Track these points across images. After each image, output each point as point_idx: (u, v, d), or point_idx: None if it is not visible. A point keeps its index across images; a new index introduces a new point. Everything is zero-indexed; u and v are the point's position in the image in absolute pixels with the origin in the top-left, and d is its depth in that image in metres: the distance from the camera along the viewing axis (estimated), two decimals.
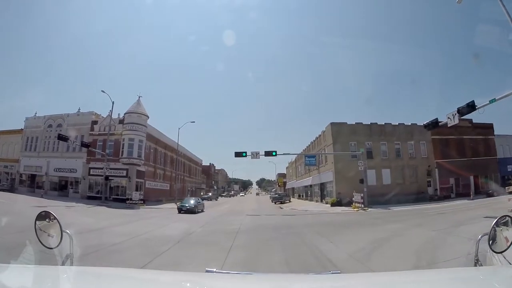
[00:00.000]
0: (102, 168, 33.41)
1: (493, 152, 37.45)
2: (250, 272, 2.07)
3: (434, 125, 19.93)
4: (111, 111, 37.24)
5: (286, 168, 74.35)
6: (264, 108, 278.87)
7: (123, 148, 36.91)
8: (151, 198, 39.54)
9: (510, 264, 1.85)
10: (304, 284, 1.78)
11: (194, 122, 41.54)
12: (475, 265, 1.78)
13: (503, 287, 1.46)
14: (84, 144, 31.90)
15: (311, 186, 42.96)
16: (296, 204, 38.02)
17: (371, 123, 35.76)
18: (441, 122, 19.42)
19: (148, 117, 39.81)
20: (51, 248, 1.74)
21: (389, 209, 25.70)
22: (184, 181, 56.11)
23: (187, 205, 25.07)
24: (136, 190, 37.57)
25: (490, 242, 1.72)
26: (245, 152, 26.82)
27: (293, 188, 61.22)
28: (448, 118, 18.42)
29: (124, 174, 36.63)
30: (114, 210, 25.15)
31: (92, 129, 40.37)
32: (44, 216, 1.81)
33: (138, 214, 21.83)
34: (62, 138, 29.53)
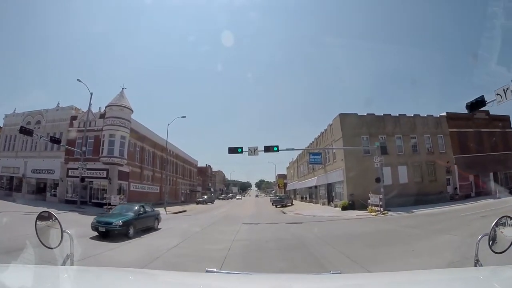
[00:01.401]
0: (83, 169, 28.98)
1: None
2: (250, 272, 2.05)
3: (478, 104, 15.53)
4: (90, 104, 32.86)
5: (287, 168, 70.00)
6: (263, 109, 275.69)
7: (103, 146, 32.52)
8: (138, 202, 35.16)
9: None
10: (304, 284, 1.77)
11: (185, 117, 36.22)
12: (475, 265, 1.71)
13: (503, 287, 1.44)
14: (53, 140, 27.47)
15: (315, 187, 38.62)
16: (299, 207, 33.63)
17: (384, 114, 31.59)
18: (489, 101, 15.06)
19: (132, 111, 35.45)
20: (52, 248, 1.72)
21: (412, 212, 21.77)
22: (176, 183, 51.68)
23: (112, 221, 11.66)
24: (119, 193, 33.30)
25: (490, 242, 1.69)
26: (241, 148, 22.50)
27: (294, 190, 56.86)
28: (498, 95, 14.07)
29: (104, 175, 32.19)
30: (82, 217, 20.69)
31: (71, 125, 36.00)
32: (44, 216, 1.80)
33: None
34: (25, 131, 25.08)
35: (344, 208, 26.42)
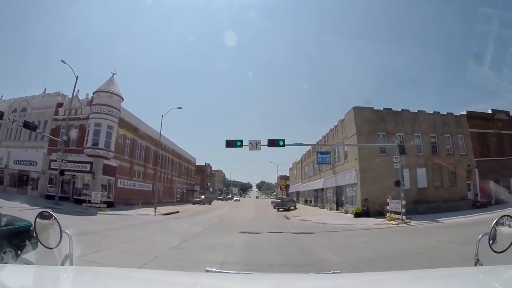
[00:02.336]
0: (62, 160, 25.66)
1: None
2: (250, 272, 2.11)
3: None
4: (74, 89, 29.65)
5: (290, 169, 66.47)
6: (265, 109, 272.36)
7: (87, 136, 29.24)
8: (126, 201, 31.88)
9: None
10: (304, 284, 1.76)
11: (181, 108, 33.24)
12: (475, 265, 1.70)
13: (503, 287, 1.44)
14: (27, 125, 24.11)
15: (322, 190, 35.09)
16: (304, 212, 30.10)
17: (401, 109, 28.08)
18: None
19: (123, 99, 32.19)
20: (51, 248, 1.71)
21: (437, 221, 18.67)
22: (172, 181, 48.31)
23: None
24: (106, 189, 30.05)
25: (490, 242, 1.68)
26: (240, 141, 19.09)
27: (297, 192, 53.34)
28: None
29: (88, 169, 28.86)
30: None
31: (56, 112, 32.82)
32: (43, 216, 1.80)
33: None
34: None
35: (357, 214, 22.92)
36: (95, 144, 28.83)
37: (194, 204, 47.80)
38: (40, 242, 1.78)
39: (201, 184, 71.08)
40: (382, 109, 27.58)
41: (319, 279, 1.84)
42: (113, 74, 32.79)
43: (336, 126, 30.74)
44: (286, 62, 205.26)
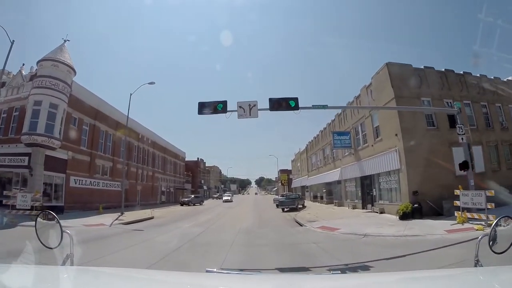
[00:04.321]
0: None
1: None
2: (250, 272, 2.08)
3: None
4: (7, 60, 21.79)
5: (292, 161, 58.78)
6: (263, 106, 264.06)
7: (26, 119, 21.57)
8: (84, 205, 24.33)
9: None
10: (304, 284, 1.73)
11: (153, 83, 24.44)
12: (475, 265, 1.68)
13: None
14: None
15: (338, 182, 27.53)
16: (319, 212, 22.56)
17: (445, 69, 20.57)
18: None
19: (75, 72, 24.44)
20: (52, 248, 1.71)
21: None
22: (154, 178, 40.55)
23: None
24: (53, 189, 22.58)
25: (491, 242, 1.66)
26: (221, 104, 11.40)
27: (302, 187, 45.84)
28: None
29: (26, 163, 21.17)
30: None
31: None
32: (44, 216, 1.81)
33: None
34: None
35: (405, 215, 15.49)
36: (32, 128, 21.12)
37: (182, 204, 40.23)
38: (41, 242, 1.74)
39: (193, 182, 63.41)
40: (423, 67, 20.02)
41: (319, 280, 1.79)
42: (65, 41, 25.06)
43: (358, 96, 23.10)
44: (286, 60, 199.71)
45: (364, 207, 21.85)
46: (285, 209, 25.87)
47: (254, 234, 12.74)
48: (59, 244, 1.71)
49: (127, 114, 26.06)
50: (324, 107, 12.03)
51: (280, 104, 11.23)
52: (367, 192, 21.60)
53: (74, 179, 24.22)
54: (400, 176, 17.23)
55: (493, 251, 1.67)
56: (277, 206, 30.38)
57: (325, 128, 32.51)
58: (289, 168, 74.05)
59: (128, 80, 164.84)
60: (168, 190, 46.53)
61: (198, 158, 71.82)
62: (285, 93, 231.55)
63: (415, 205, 15.73)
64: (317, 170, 35.80)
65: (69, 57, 24.37)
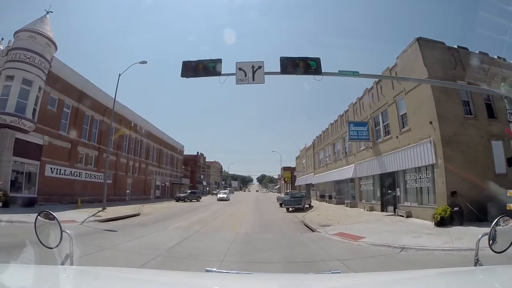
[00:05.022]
0: None
1: None
2: (250, 272, 2.07)
3: None
4: None
5: (297, 158, 55.56)
6: (264, 106, 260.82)
7: None
8: (62, 197, 21.48)
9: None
10: (304, 283, 1.74)
11: (145, 62, 21.24)
12: (475, 265, 1.67)
13: (503, 287, 1.42)
14: None
15: (351, 180, 24.40)
16: (331, 215, 19.50)
17: (479, 52, 17.31)
18: None
19: (56, 47, 21.49)
20: (51, 248, 1.69)
21: None
22: (147, 172, 37.54)
23: None
24: (28, 179, 19.82)
25: (490, 242, 1.66)
26: (214, 63, 8.25)
27: (308, 185, 42.71)
28: None
29: None
30: None
31: None
32: (44, 216, 1.79)
33: None
34: None
35: (442, 221, 12.42)
36: (0, 107, 18.17)
37: (178, 200, 37.24)
38: (41, 242, 1.73)
39: (191, 177, 60.43)
40: (456, 47, 16.80)
41: (319, 279, 1.81)
42: (47, 12, 22.08)
43: (377, 83, 19.91)
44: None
45: (383, 209, 18.73)
46: (290, 209, 22.83)
47: (255, 243, 9.67)
48: (58, 244, 1.67)
49: (114, 97, 23.09)
50: (355, 74, 8.93)
51: (296, 64, 8.09)
52: (388, 192, 18.46)
53: (51, 168, 21.26)
54: (435, 172, 14.07)
55: (493, 250, 1.64)
56: (281, 205, 27.32)
57: (336, 121, 29.31)
58: (292, 165, 71.05)
59: (128, 79, 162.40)
60: (163, 184, 43.55)
61: (197, 152, 68.81)
62: (286, 92, 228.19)
63: (454, 209, 12.63)
64: (326, 167, 32.66)
65: (50, 30, 21.38)
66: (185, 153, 60.97)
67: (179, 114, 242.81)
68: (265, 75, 8.06)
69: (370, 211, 19.66)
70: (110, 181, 28.00)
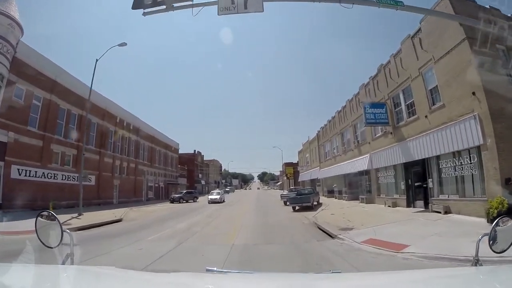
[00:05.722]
0: None
1: None
2: (250, 271, 2.07)
3: None
4: None
5: (299, 152, 52.54)
6: (264, 102, 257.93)
7: None
8: (33, 203, 18.56)
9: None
10: (305, 283, 1.71)
11: (125, 44, 18.11)
12: (475, 265, 1.66)
13: (503, 287, 1.42)
14: None
15: (366, 172, 21.44)
16: (345, 212, 16.61)
17: None
18: None
19: (22, 31, 18.60)
20: (52, 248, 1.68)
21: None
22: (138, 172, 34.51)
23: None
24: None
25: (491, 242, 1.64)
26: None
27: (312, 180, 39.80)
28: None
29: None
30: None
31: None
32: (44, 215, 1.80)
33: None
34: None
35: (500, 215, 9.20)
36: None
37: (172, 201, 34.23)
38: (41, 242, 1.74)
39: (188, 176, 57.37)
40: (488, 7, 13.76)
41: (319, 279, 1.81)
42: None
43: (395, 55, 16.91)
44: (286, 59, 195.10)
45: (410, 204, 15.78)
46: (296, 208, 19.87)
47: (258, 263, 6.69)
48: (59, 244, 1.67)
49: (90, 85, 20.06)
50: (398, 3, 5.89)
51: None
52: (416, 184, 15.48)
53: (18, 169, 18.27)
54: (483, 156, 11.08)
55: (493, 250, 1.64)
56: (285, 203, 24.42)
57: (344, 107, 26.28)
58: (294, 161, 68.12)
59: (128, 78, 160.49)
60: (156, 185, 40.50)
61: (194, 151, 65.67)
62: (286, 88, 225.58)
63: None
64: (333, 160, 29.66)
65: (16, 10, 18.38)
66: (182, 151, 58.04)
67: (178, 114, 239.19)
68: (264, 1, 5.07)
69: (393, 207, 16.68)
70: (92, 183, 25.04)
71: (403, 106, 16.48)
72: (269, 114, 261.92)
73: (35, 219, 1.80)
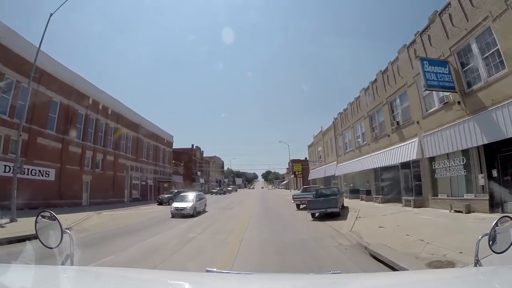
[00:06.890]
0: None
1: None
2: (250, 272, 1.97)
3: None
4: None
5: (309, 146, 46.60)
6: (266, 102, 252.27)
7: None
8: None
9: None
10: (305, 283, 1.70)
11: None
12: (475, 265, 1.62)
13: None
14: None
15: (413, 164, 15.66)
16: (396, 222, 11.12)
17: None
18: None
19: None
20: (51, 248, 1.66)
21: None
22: (118, 166, 28.94)
23: None
24: None
25: (490, 242, 1.60)
26: None
27: (326, 178, 34.09)
28: None
29: None
30: None
31: None
32: (44, 215, 1.75)
33: None
34: None
35: None
36: None
37: (160, 203, 28.74)
38: (41, 242, 1.71)
39: (185, 174, 51.92)
40: None
41: (319, 279, 1.77)
42: None
43: (444, 11, 11.24)
44: (286, 59, 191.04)
45: (495, 207, 10.07)
46: (317, 214, 14.18)
47: None
48: (59, 244, 1.65)
49: (38, 46, 14.64)
50: None
51: None
52: (504, 177, 9.76)
53: None
54: None
55: (493, 251, 1.61)
56: (298, 206, 18.87)
57: (373, 82, 20.41)
58: (302, 158, 62.41)
59: (129, 77, 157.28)
60: (144, 183, 34.83)
61: (193, 145, 60.26)
62: (286, 85, 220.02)
63: None
64: (357, 151, 23.84)
65: None
66: (179, 146, 52.70)
67: (179, 111, 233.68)
68: None
69: (466, 213, 10.95)
70: (50, 178, 19.67)
71: (480, 60, 10.74)
72: (274, 108, 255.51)
73: (35, 218, 1.75)
